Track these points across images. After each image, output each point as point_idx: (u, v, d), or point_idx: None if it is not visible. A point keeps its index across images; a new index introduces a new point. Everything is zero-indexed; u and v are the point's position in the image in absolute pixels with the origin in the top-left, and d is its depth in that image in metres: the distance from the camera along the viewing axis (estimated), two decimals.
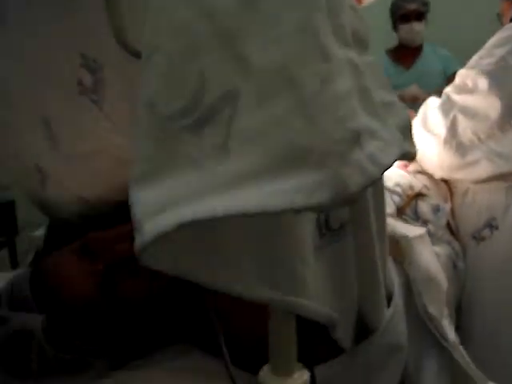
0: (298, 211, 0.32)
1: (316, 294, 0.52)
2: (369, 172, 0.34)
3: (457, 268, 1.77)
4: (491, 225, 1.69)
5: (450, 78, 2.91)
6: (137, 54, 0.45)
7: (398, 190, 1.64)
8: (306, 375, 0.48)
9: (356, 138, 0.35)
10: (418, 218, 1.67)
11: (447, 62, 2.98)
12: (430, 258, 0.99)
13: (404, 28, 2.90)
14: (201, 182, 0.35)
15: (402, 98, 2.79)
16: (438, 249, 1.65)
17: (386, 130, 0.38)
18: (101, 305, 0.86)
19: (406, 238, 0.91)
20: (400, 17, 2.89)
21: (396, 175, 1.79)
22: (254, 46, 0.36)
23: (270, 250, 0.44)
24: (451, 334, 0.89)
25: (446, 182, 2.03)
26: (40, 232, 1.61)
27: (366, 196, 0.60)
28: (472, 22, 3.33)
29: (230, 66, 0.36)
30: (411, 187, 1.73)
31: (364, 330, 0.75)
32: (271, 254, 0.44)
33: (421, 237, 1.01)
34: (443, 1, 3.21)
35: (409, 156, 0.39)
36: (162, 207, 0.34)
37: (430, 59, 2.99)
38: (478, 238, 1.74)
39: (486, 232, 1.69)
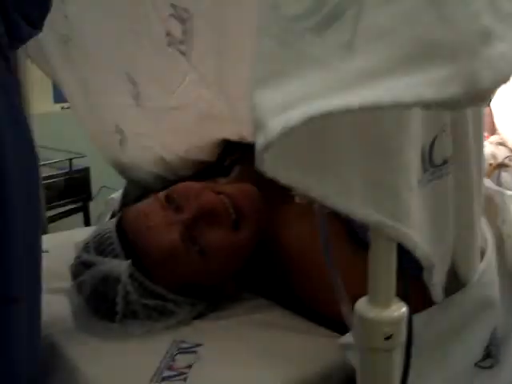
0: (430, 105, 0.31)
1: (417, 228, 0.50)
2: (501, 69, 0.32)
3: None
4: None
5: None
6: None
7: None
8: (403, 308, 0.46)
9: (488, 35, 0.33)
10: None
11: None
12: None
13: None
14: (327, 79, 0.34)
15: None
16: None
17: None
18: (184, 253, 0.87)
19: (501, 193, 0.87)
20: None
21: None
22: None
23: (379, 171, 0.43)
24: None
25: None
26: (115, 195, 1.65)
27: (468, 130, 0.57)
28: None
29: None
30: (494, 157, 1.66)
31: (455, 283, 0.72)
32: (377, 173, 0.43)
33: (509, 197, 0.97)
34: None
35: None
36: (287, 104, 0.33)
37: None
38: None
39: None
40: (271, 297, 1.01)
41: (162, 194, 0.94)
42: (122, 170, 1.47)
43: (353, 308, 0.48)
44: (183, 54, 0.91)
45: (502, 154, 1.76)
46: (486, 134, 1.90)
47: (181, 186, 0.97)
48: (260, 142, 0.33)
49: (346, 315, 0.54)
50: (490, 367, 0.80)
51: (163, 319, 0.88)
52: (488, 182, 0.97)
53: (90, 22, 1.07)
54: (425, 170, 0.53)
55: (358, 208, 0.41)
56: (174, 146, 1.19)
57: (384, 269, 0.45)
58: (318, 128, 0.37)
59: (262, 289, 1.02)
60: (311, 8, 0.36)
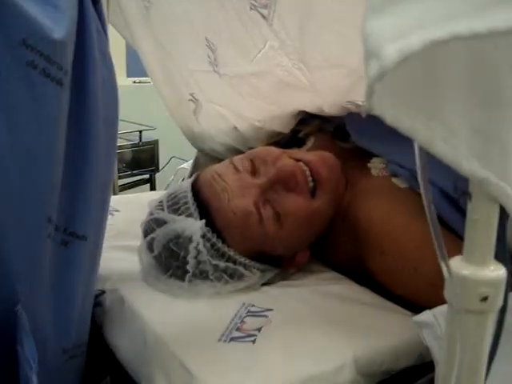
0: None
1: None
2: None
3: None
4: None
5: None
6: None
7: None
8: (503, 271, 0.44)
9: None
10: None
11: None
12: None
13: None
14: (451, 4, 0.31)
15: None
16: None
17: None
18: (258, 218, 0.86)
19: None
20: None
21: None
22: None
23: (489, 123, 0.40)
24: None
25: None
26: (185, 165, 1.66)
27: None
28: None
29: None
30: None
31: None
32: (489, 128, 0.40)
33: None
34: None
35: None
36: (406, 31, 0.31)
37: None
38: None
39: None
40: (342, 270, 0.99)
41: (240, 158, 0.94)
42: (193, 139, 1.47)
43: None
44: (265, 18, 0.89)
45: None
46: None
47: (260, 149, 0.97)
48: (373, 71, 0.31)
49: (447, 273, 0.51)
50: None
51: (233, 282, 0.88)
52: None
53: None
54: None
55: (465, 160, 0.38)
56: (250, 114, 1.18)
57: (483, 226, 0.43)
58: (428, 67, 0.35)
59: (334, 261, 1.01)
60: None
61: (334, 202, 0.93)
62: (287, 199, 0.88)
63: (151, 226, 0.91)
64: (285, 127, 1.19)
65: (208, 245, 0.86)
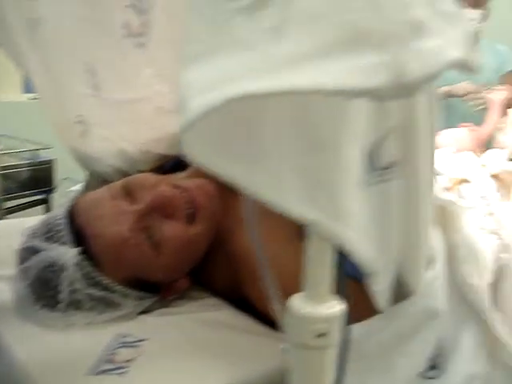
0: (353, 93, 0.30)
1: (359, 231, 0.49)
2: (430, 63, 0.32)
3: (499, 259, 1.71)
4: None
5: (505, 76, 2.82)
6: None
7: (444, 172, 1.60)
8: (340, 306, 0.45)
9: (418, 28, 0.33)
10: None
11: (504, 58, 2.87)
12: (477, 231, 0.95)
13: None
14: (253, 62, 0.33)
15: (453, 94, 2.70)
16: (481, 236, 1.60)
17: (449, 34, 0.35)
18: (134, 245, 0.85)
19: (453, 203, 0.87)
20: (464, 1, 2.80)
21: (443, 159, 1.74)
22: None
23: (314, 167, 0.42)
24: (491, 307, 0.85)
25: (495, 176, 1.97)
26: (77, 187, 1.62)
27: (418, 137, 0.56)
28: None
29: None
30: (458, 172, 1.68)
31: (400, 292, 0.72)
32: (315, 172, 0.42)
33: (468, 209, 0.97)
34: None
35: (472, 67, 0.36)
36: (211, 85, 0.32)
37: (485, 54, 2.87)
38: None
39: None
40: (222, 296, 0.99)
41: (117, 184, 0.93)
42: (83, 161, 1.44)
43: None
44: (141, 46, 0.90)
45: (467, 170, 1.78)
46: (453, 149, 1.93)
47: (137, 176, 0.96)
48: (181, 122, 0.32)
49: (277, 312, 0.53)
50: (435, 378, 0.80)
51: (108, 311, 0.86)
52: (443, 193, 0.98)
53: (54, 5, 1.05)
54: (370, 171, 0.52)
55: (291, 203, 0.40)
56: (134, 138, 1.17)
57: (320, 265, 0.44)
58: (249, 115, 0.36)
59: (214, 288, 1.01)
60: None
61: (213, 229, 0.94)
62: (165, 226, 0.88)
63: (25, 254, 0.88)
64: (169, 150, 1.19)
65: (82, 273, 0.84)
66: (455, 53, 0.33)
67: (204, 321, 0.90)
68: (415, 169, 0.58)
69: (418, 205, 0.62)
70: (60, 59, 1.16)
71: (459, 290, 0.84)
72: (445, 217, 0.87)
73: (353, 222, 0.45)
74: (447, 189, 1.60)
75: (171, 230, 0.88)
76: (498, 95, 2.11)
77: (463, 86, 2.62)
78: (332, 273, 0.45)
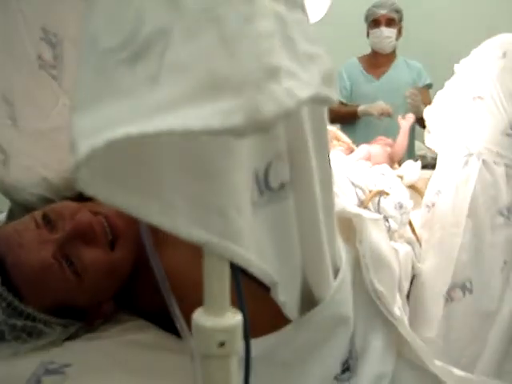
0: (216, 133, 0.35)
1: (254, 248, 0.54)
2: (283, 102, 0.37)
3: (414, 268, 1.81)
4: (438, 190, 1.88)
5: (417, 89, 2.99)
6: None
7: (361, 184, 1.68)
8: (238, 316, 0.50)
9: (274, 72, 0.38)
10: (380, 214, 1.70)
11: (418, 74, 3.04)
12: (383, 240, 1.02)
13: (374, 33, 2.94)
14: (133, 108, 0.37)
15: (369, 113, 2.83)
16: (397, 245, 1.69)
17: (305, 73, 0.41)
18: (56, 273, 0.87)
19: (358, 216, 0.93)
20: (371, 22, 2.95)
21: (360, 171, 1.83)
22: None
23: (204, 193, 0.46)
24: (398, 310, 0.92)
25: (411, 187, 2.09)
26: (0, 217, 1.60)
27: (309, 157, 0.62)
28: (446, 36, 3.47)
29: (163, 6, 0.40)
30: (374, 184, 1.76)
31: (310, 302, 0.77)
32: (205, 197, 0.46)
33: (375, 220, 1.04)
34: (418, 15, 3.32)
35: (327, 101, 0.42)
36: (96, 129, 0.36)
37: (401, 70, 3.03)
38: None
39: None
40: (150, 318, 1.02)
41: (38, 213, 0.94)
42: (5, 190, 1.43)
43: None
44: (55, 78, 0.93)
45: (383, 182, 1.87)
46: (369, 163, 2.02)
47: (57, 205, 0.98)
48: (72, 163, 0.36)
49: (181, 329, 0.57)
50: (348, 380, 0.85)
51: (32, 340, 0.87)
52: (351, 206, 1.04)
53: None
54: (261, 193, 0.57)
55: (184, 227, 0.44)
56: (55, 165, 1.19)
57: (217, 279, 0.49)
58: (140, 149, 0.40)
59: (141, 309, 1.03)
60: (123, 42, 0.39)
61: (135, 252, 0.97)
62: (86, 253, 0.90)
63: None
64: None
65: (4, 304, 0.85)
66: (308, 91, 0.39)
67: (129, 343, 0.92)
68: (308, 187, 0.64)
69: (316, 219, 0.67)
70: None
71: (368, 295, 0.90)
72: (351, 229, 0.93)
73: (244, 241, 0.49)
74: (364, 201, 1.69)
75: (92, 256, 0.90)
76: (408, 121, 2.35)
77: (379, 105, 2.76)
78: (229, 286, 0.50)
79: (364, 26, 3.04)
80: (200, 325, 0.49)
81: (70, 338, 0.93)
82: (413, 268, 1.82)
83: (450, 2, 3.66)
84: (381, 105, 2.76)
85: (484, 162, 1.80)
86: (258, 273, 0.55)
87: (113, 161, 0.40)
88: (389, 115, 2.72)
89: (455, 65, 2.05)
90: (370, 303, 0.90)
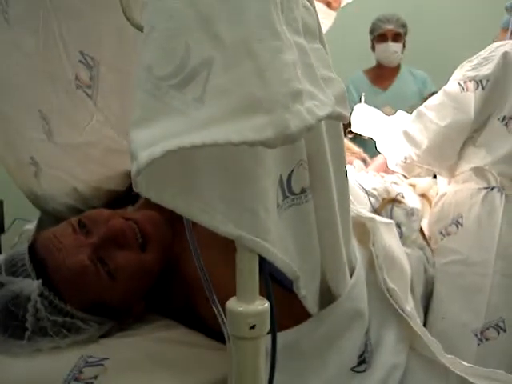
0: (251, 144, 0.44)
1: (279, 245, 0.61)
2: (305, 119, 0.47)
3: (427, 273, 1.86)
4: (457, 221, 1.82)
5: (426, 99, 3.04)
6: (139, 27, 0.56)
7: (375, 192, 1.74)
8: (266, 303, 0.57)
9: (298, 95, 0.48)
10: (392, 220, 1.76)
11: (423, 83, 3.11)
12: (395, 243, 1.09)
13: (380, 47, 3.03)
14: (183, 124, 0.46)
15: None
16: (409, 250, 1.75)
17: (322, 95, 0.50)
18: (92, 274, 0.95)
19: (372, 219, 1.00)
20: (377, 37, 3.02)
21: (373, 181, 1.89)
22: (224, 27, 0.49)
23: (238, 195, 0.54)
24: (409, 307, 0.98)
25: (423, 195, 2.14)
26: (30, 226, 1.69)
27: (327, 165, 0.70)
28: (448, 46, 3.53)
29: (207, 42, 0.49)
30: (387, 192, 1.83)
31: (329, 297, 0.84)
32: (239, 198, 0.54)
33: (387, 224, 1.11)
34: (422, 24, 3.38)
35: (341, 117, 0.51)
36: (153, 141, 0.45)
37: (407, 80, 3.11)
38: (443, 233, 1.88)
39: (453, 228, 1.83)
40: (177, 318, 1.09)
41: (74, 220, 1.02)
42: (36, 201, 1.52)
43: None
44: (90, 97, 1.01)
45: (395, 191, 1.93)
46: (380, 174, 2.09)
47: (92, 211, 1.06)
48: (133, 169, 0.44)
49: (218, 315, 0.64)
50: (364, 371, 0.92)
51: (71, 335, 0.95)
52: (365, 211, 1.11)
53: (2, 57, 1.15)
54: (285, 197, 0.65)
55: (221, 224, 0.53)
56: (85, 177, 1.26)
57: (247, 272, 0.56)
58: (188, 159, 0.49)
59: (169, 310, 1.11)
60: (174, 71, 0.48)
61: (164, 255, 1.04)
62: (119, 255, 0.97)
63: None
64: (120, 186, 1.29)
65: (46, 302, 0.92)
66: (325, 110, 0.47)
67: (158, 339, 0.99)
68: (326, 192, 0.72)
69: (334, 220, 0.75)
70: (13, 107, 1.25)
71: (381, 293, 0.97)
72: (365, 232, 1.00)
73: (271, 238, 0.57)
74: (378, 208, 1.76)
75: (125, 258, 0.98)
76: None
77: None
78: (258, 278, 0.57)
79: (367, 39, 3.11)
80: (233, 310, 0.56)
81: (105, 335, 1.00)
82: (425, 272, 1.88)
83: (451, 9, 3.72)
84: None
85: (507, 197, 1.76)
86: (282, 266, 0.63)
87: (163, 169, 0.48)
88: None
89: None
90: (384, 300, 0.97)
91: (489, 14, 3.56)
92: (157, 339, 1.00)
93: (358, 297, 0.87)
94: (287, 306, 0.76)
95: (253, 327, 0.56)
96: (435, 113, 1.81)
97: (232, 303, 0.57)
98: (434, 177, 2.11)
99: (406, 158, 1.92)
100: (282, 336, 0.80)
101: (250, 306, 0.56)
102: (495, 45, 1.82)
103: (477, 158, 1.80)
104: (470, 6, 3.71)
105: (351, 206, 0.88)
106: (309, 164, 0.68)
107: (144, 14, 0.51)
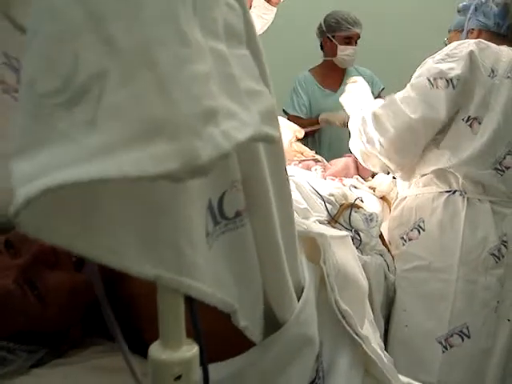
0: (152, 179, 0.36)
1: (211, 278, 0.54)
2: (220, 145, 0.38)
3: (387, 279, 1.83)
4: (419, 226, 1.80)
5: (378, 96, 3.01)
6: (23, 29, 0.48)
7: (332, 198, 1.70)
8: (195, 349, 0.50)
9: (211, 115, 0.39)
10: (351, 228, 1.72)
11: (371, 81, 3.05)
12: (350, 258, 1.03)
13: (345, 50, 2.93)
14: (71, 153, 0.38)
15: (331, 122, 2.81)
16: (368, 258, 1.71)
17: (245, 113, 0.41)
18: (19, 298, 0.86)
19: (322, 235, 0.94)
20: (342, 38, 2.92)
21: (331, 186, 1.85)
22: (120, 29, 0.39)
23: (154, 228, 0.46)
24: (366, 327, 0.93)
25: (383, 198, 2.10)
26: None
27: (265, 184, 0.63)
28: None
29: (99, 48, 0.40)
30: (345, 197, 1.78)
31: (275, 324, 0.77)
32: (155, 232, 0.46)
33: (341, 238, 1.05)
34: None
35: (267, 139, 0.43)
36: (35, 175, 0.36)
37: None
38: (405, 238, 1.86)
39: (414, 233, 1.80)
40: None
41: (0, 239, 0.93)
42: None
43: None
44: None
45: (354, 195, 1.88)
46: (339, 178, 2.04)
47: (18, 231, 0.97)
48: (11, 209, 0.36)
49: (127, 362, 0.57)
50: None
51: (1, 368, 0.86)
52: (315, 225, 1.05)
53: None
54: (216, 223, 0.58)
55: (135, 265, 0.44)
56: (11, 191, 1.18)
57: (172, 313, 0.49)
58: (90, 188, 0.40)
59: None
60: (60, 86, 0.39)
61: (103, 273, 0.96)
62: (50, 276, 0.89)
63: None
64: None
65: None
66: (247, 131, 0.39)
67: (96, 367, 0.91)
68: (265, 213, 0.65)
69: (274, 244, 0.68)
70: None
71: (333, 314, 0.91)
72: (316, 248, 0.94)
73: (199, 273, 0.50)
74: (335, 215, 1.70)
75: (56, 278, 0.89)
76: None
77: (340, 115, 2.75)
78: (184, 320, 0.50)
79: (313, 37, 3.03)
80: (156, 358, 0.49)
81: (36, 364, 0.92)
82: (386, 279, 1.84)
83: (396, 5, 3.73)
84: (342, 115, 2.74)
85: (469, 200, 1.75)
86: (215, 303, 0.56)
87: (58, 201, 0.40)
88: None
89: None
90: (337, 322, 0.91)
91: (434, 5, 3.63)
92: (94, 367, 0.92)
93: (306, 321, 0.81)
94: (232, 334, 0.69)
95: (178, 378, 0.49)
96: (405, 105, 1.78)
97: (154, 349, 0.50)
98: (395, 177, 2.08)
99: (368, 143, 1.87)
100: (224, 366, 0.74)
101: (175, 352, 0.49)
102: (455, 43, 1.82)
103: (440, 160, 1.80)
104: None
105: (302, 219, 0.82)
106: (244, 185, 0.60)
107: (28, 15, 0.42)
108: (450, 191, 1.78)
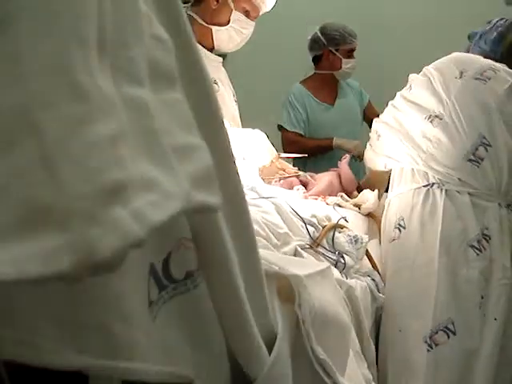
0: (39, 281, 0.27)
1: (156, 352, 0.46)
2: (128, 231, 0.29)
3: (376, 300, 1.75)
4: (399, 225, 1.80)
5: (367, 108, 2.94)
6: None
7: (314, 220, 1.61)
8: None
9: (115, 192, 0.30)
10: (334, 251, 1.64)
11: (359, 94, 3.00)
12: (329, 296, 0.95)
13: (349, 63, 2.83)
14: None
15: (346, 148, 2.65)
16: (353, 282, 1.63)
17: (169, 180, 0.33)
18: None
19: (296, 277, 0.86)
20: (346, 51, 2.82)
21: (313, 206, 1.76)
22: None
23: (77, 310, 0.38)
24: (346, 375, 0.85)
25: (370, 215, 2.04)
26: None
27: (221, 237, 0.54)
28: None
29: None
30: (328, 218, 1.70)
31: (247, 380, 0.69)
32: (79, 315, 0.38)
33: (321, 272, 0.97)
34: None
35: (204, 209, 0.34)
36: None
37: (347, 93, 2.97)
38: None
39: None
40: None
41: None
42: None
43: None
44: None
45: (338, 215, 1.81)
46: (322, 196, 1.96)
47: None
48: None
49: None
50: None
51: None
52: (288, 268, 0.95)
53: None
54: (162, 288, 0.49)
55: (55, 356, 0.36)
56: None
57: None
58: None
59: None
60: None
61: None
62: None
63: None
64: None
65: None
66: (170, 206, 0.31)
67: None
68: (225, 266, 0.56)
69: (237, 299, 0.60)
70: None
71: (311, 366, 0.83)
72: (289, 291, 0.86)
73: (138, 351, 0.42)
74: (318, 238, 1.63)
75: None
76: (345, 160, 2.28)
77: (357, 144, 2.65)
78: None
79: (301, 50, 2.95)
80: None
81: None
82: (374, 301, 1.76)
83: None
84: (358, 144, 2.63)
85: (447, 192, 1.74)
86: (164, 380, 0.48)
87: None
88: (359, 158, 2.51)
89: (411, 75, 2.00)
90: (315, 371, 0.83)
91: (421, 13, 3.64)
92: None
93: (278, 377, 0.72)
94: None
95: None
96: None
97: None
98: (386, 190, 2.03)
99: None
100: None
101: None
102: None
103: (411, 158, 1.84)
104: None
105: (269, 257, 0.74)
106: (196, 240, 0.52)
107: None
108: (428, 185, 1.77)
